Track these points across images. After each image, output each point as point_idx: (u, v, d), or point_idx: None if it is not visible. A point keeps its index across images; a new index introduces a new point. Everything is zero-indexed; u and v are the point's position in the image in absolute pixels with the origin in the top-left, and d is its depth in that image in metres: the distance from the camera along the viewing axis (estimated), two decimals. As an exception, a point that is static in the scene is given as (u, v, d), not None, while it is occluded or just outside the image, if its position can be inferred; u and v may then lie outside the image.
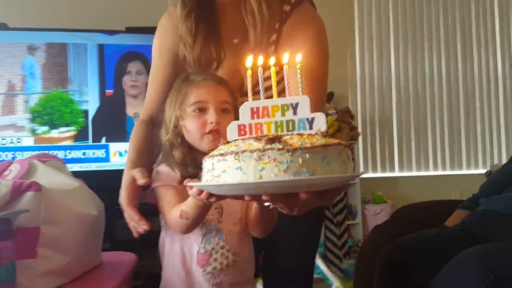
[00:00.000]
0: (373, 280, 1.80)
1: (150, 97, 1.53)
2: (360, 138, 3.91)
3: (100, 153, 2.93)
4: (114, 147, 2.97)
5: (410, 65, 4.13)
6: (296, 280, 1.51)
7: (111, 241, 2.77)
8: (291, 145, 0.80)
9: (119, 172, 1.32)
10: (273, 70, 1.01)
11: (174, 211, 1.19)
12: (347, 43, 4.06)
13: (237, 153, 0.81)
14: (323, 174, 0.81)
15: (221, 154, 0.83)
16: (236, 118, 1.26)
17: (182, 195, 1.22)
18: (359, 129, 3.95)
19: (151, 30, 1.49)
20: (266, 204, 0.90)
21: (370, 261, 1.89)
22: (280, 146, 0.79)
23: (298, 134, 0.88)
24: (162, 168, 1.30)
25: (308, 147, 0.80)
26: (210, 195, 0.93)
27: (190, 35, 1.38)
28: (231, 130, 0.99)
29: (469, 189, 2.39)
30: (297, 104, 0.98)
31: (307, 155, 0.80)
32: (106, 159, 2.96)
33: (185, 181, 1.07)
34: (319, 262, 2.88)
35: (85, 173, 2.84)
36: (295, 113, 0.98)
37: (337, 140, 0.88)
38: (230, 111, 1.28)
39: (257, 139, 0.84)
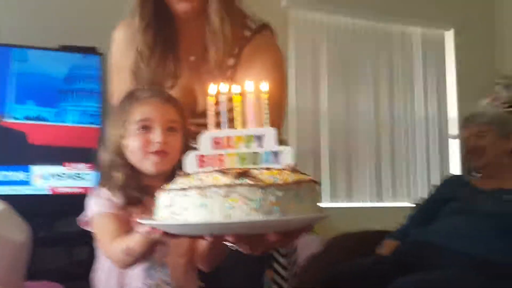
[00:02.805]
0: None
1: None
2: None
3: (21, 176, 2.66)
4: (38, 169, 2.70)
5: (341, 102, 4.21)
6: None
7: (32, 270, 2.55)
8: (263, 181, 0.72)
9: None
10: (237, 99, 0.94)
11: (116, 245, 1.06)
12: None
13: (201, 188, 0.72)
14: (296, 213, 0.74)
15: (183, 189, 0.74)
16: (185, 138, 1.20)
17: (124, 224, 1.11)
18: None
19: None
20: (229, 245, 0.81)
21: (308, 288, 1.87)
22: (251, 182, 0.71)
23: (266, 168, 0.80)
24: (101, 193, 1.17)
25: (281, 184, 0.73)
26: (165, 233, 0.83)
27: (148, 48, 1.30)
28: (190, 160, 0.89)
29: (392, 221, 2.42)
30: (262, 136, 0.92)
31: (280, 193, 0.72)
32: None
33: (137, 219, 0.96)
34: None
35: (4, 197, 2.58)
36: (260, 145, 0.91)
37: (309, 177, 0.81)
38: (178, 130, 1.19)
39: (224, 172, 0.75)
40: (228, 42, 1.29)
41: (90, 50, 2.77)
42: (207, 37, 1.29)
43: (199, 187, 0.72)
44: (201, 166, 0.90)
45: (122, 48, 1.39)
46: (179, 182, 0.79)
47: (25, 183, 2.67)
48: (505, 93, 4.11)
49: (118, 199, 1.14)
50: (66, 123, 2.78)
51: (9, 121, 2.66)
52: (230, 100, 1.08)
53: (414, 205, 3.75)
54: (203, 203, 0.71)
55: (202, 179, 0.75)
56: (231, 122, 0.96)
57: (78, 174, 2.76)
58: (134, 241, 1.00)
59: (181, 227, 0.75)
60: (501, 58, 4.43)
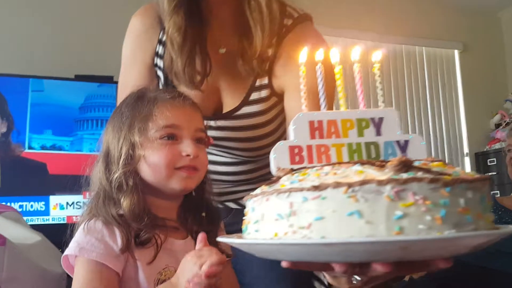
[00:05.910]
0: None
1: None
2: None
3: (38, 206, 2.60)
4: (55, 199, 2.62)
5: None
6: None
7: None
8: (449, 175, 0.44)
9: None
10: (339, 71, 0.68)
11: None
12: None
13: (350, 186, 0.44)
14: (486, 227, 0.46)
15: (315, 187, 0.45)
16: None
17: (113, 281, 0.80)
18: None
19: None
20: (358, 278, 0.53)
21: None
22: (431, 176, 0.43)
23: (426, 159, 0.53)
24: (95, 227, 0.84)
25: (469, 179, 0.46)
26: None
27: (179, 33, 1.03)
28: (280, 153, 0.62)
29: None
30: (380, 120, 0.65)
31: (470, 194, 0.45)
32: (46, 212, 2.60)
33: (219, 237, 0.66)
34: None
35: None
36: (378, 133, 0.64)
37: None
38: (204, 142, 0.93)
39: (372, 164, 0.47)
40: (275, 25, 1.06)
41: (106, 79, 2.77)
42: (251, 18, 1.05)
43: (347, 185, 0.43)
44: (295, 161, 0.63)
45: (139, 39, 1.14)
46: (290, 180, 0.51)
47: (43, 213, 2.63)
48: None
49: (117, 242, 0.82)
50: (83, 151, 2.79)
51: (29, 151, 2.69)
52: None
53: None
54: (356, 210, 0.43)
55: (337, 173, 0.47)
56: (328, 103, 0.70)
57: (96, 202, 2.72)
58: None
59: (324, 248, 0.44)
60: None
